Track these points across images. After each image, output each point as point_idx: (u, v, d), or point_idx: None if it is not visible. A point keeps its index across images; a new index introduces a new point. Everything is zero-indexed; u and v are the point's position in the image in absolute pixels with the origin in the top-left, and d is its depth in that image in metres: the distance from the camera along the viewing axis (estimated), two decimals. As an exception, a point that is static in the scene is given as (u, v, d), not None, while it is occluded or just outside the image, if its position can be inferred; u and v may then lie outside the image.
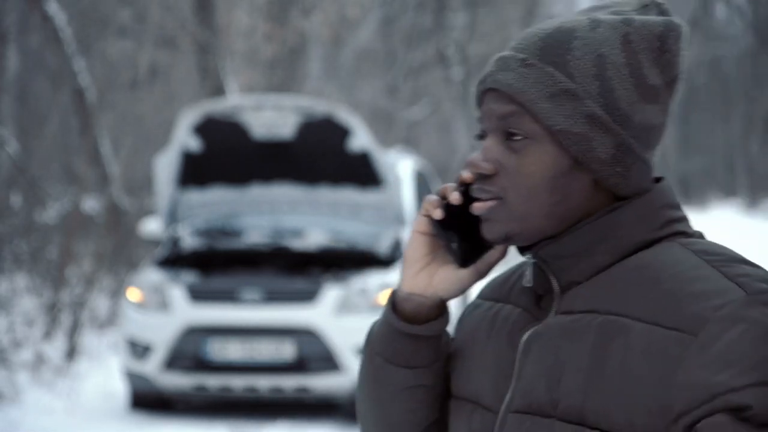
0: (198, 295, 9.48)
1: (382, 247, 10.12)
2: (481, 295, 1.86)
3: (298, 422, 9.30)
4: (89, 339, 12.16)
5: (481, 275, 1.74)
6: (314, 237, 10.35)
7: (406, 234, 10.21)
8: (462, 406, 1.78)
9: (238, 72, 18.16)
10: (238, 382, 9.33)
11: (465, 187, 1.73)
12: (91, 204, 13.71)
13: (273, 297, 9.45)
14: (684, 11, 43.08)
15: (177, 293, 9.46)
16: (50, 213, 13.39)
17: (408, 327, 1.75)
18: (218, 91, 15.71)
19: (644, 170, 1.67)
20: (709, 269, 1.58)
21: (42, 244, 12.83)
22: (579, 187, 1.66)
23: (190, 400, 9.70)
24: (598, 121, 1.65)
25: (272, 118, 10.05)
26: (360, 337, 8.50)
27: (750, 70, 39.78)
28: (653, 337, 1.56)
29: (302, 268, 9.95)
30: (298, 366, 9.29)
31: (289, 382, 9.31)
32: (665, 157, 47.75)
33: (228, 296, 9.48)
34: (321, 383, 9.27)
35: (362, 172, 10.18)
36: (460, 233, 1.73)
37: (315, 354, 9.27)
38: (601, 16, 1.70)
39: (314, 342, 9.28)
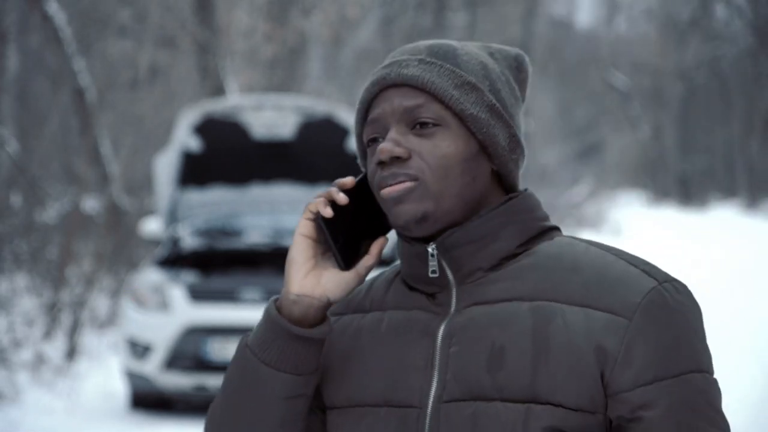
0: (198, 295, 9.48)
1: (382, 247, 10.11)
2: (335, 311, 1.90)
3: (298, 422, 9.28)
4: (89, 339, 12.16)
5: (361, 279, 1.80)
6: (314, 237, 10.35)
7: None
8: (360, 412, 1.80)
9: (238, 72, 18.17)
10: (238, 382, 9.33)
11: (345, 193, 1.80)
12: (91, 204, 13.71)
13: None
14: (684, 11, 43.12)
15: (177, 293, 9.46)
16: (50, 213, 13.39)
17: (301, 330, 1.76)
18: (218, 91, 15.71)
19: (522, 166, 1.85)
20: (612, 257, 1.77)
21: (42, 244, 12.83)
22: (483, 173, 1.79)
23: (190, 400, 9.70)
24: (497, 112, 1.79)
25: (272, 118, 10.06)
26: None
27: (750, 70, 39.79)
28: (591, 318, 1.71)
29: (302, 268, 9.94)
30: (298, 366, 9.29)
31: (289, 382, 9.31)
32: (665, 157, 47.79)
33: (228, 296, 9.48)
34: (321, 383, 9.28)
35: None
36: (341, 237, 1.78)
37: (315, 354, 9.28)
38: (457, 42, 1.87)
39: (314, 342, 9.28)
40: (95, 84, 13.61)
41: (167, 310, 9.43)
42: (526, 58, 1.89)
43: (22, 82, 15.95)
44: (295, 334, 1.76)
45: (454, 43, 1.84)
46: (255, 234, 10.40)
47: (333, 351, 1.85)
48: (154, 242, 10.59)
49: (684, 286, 1.77)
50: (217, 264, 10.03)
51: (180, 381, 9.33)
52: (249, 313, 9.36)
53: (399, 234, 1.82)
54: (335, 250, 1.77)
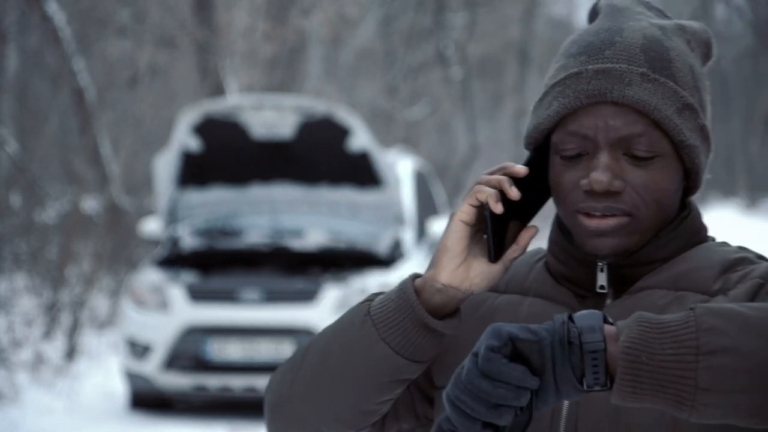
0: (198, 295, 9.48)
1: (382, 247, 10.12)
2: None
3: (297, 422, 9.28)
4: (89, 339, 12.16)
5: (506, 271, 1.70)
6: (314, 237, 10.35)
7: (406, 234, 10.21)
8: None
9: (238, 72, 18.16)
10: (237, 382, 9.33)
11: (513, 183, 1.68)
12: (91, 204, 13.71)
13: (273, 297, 9.45)
14: (684, 11, 43.11)
15: (177, 293, 9.46)
16: (50, 213, 13.39)
17: (436, 323, 1.66)
18: (218, 90, 15.70)
19: None
20: (746, 251, 1.71)
21: (42, 244, 12.83)
22: (678, 199, 1.70)
23: (190, 400, 9.70)
24: (705, 134, 1.70)
25: (272, 118, 10.05)
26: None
27: (750, 70, 39.80)
28: (732, 294, 1.62)
29: (302, 268, 9.95)
30: (298, 366, 9.29)
31: (289, 382, 9.31)
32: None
33: (228, 296, 9.48)
34: (321, 383, 9.27)
35: (362, 172, 10.18)
36: (500, 227, 1.68)
37: (315, 354, 9.28)
38: (655, 21, 1.71)
39: (314, 342, 9.28)
40: (95, 84, 13.60)
41: (167, 310, 9.43)
42: (712, 42, 1.74)
43: (22, 82, 15.93)
44: (427, 324, 1.67)
45: (661, 36, 1.68)
46: (255, 234, 10.39)
47: (462, 329, 1.73)
48: (154, 242, 10.58)
49: None
50: (216, 264, 10.03)
51: (179, 381, 9.33)
52: (249, 313, 9.36)
53: (562, 231, 1.73)
54: (492, 242, 1.67)
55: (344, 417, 1.73)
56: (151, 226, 10.48)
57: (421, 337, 1.67)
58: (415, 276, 1.70)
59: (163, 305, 9.46)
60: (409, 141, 24.90)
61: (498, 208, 1.63)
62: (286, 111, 10.08)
